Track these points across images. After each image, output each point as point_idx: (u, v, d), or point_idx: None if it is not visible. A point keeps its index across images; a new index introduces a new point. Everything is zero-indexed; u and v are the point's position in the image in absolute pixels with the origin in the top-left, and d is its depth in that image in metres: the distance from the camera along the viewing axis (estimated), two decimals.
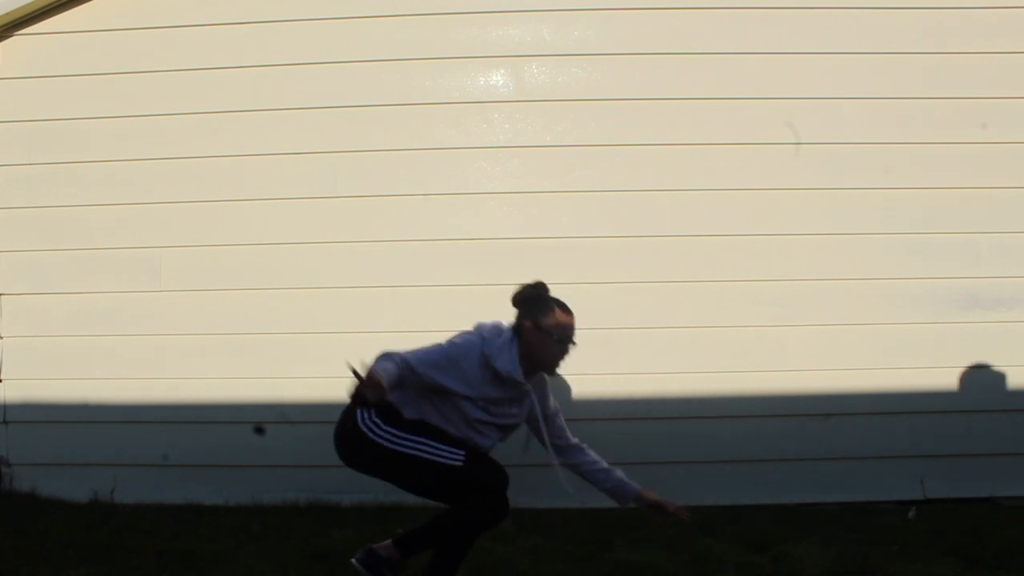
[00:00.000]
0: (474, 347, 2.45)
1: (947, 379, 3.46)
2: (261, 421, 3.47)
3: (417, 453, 2.37)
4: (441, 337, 3.45)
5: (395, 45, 3.45)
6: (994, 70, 3.44)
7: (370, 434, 2.41)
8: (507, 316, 3.43)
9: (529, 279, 3.40)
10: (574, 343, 2.53)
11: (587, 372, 3.44)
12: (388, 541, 2.51)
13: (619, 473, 2.59)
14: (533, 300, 2.53)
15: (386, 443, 2.39)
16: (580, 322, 3.40)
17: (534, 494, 3.41)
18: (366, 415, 2.43)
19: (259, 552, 2.88)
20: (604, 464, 2.59)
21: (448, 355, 2.43)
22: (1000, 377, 3.47)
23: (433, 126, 3.46)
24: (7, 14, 3.40)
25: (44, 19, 3.49)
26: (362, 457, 2.49)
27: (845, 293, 3.45)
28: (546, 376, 2.59)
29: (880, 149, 3.44)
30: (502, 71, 3.47)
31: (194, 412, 3.48)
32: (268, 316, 3.42)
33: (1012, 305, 3.45)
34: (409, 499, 3.36)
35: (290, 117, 3.44)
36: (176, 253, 3.50)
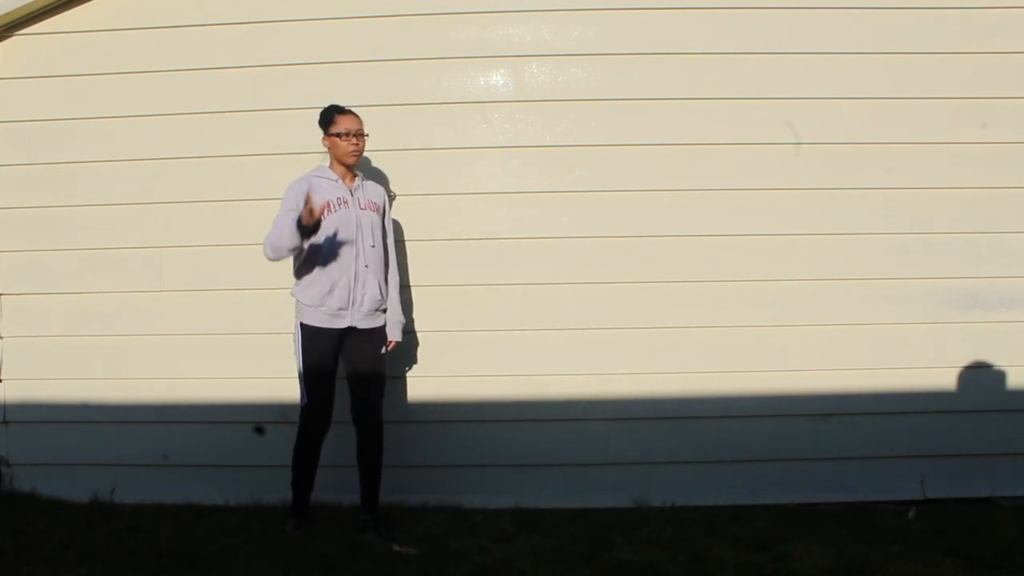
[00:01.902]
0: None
1: (947, 379, 3.46)
2: (261, 421, 3.49)
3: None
4: (439, 337, 3.49)
5: (395, 45, 3.45)
6: (994, 70, 3.44)
7: None
8: (507, 315, 3.46)
9: (529, 279, 3.45)
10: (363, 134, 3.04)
11: (586, 372, 3.46)
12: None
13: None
14: (321, 119, 3.05)
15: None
16: (579, 322, 3.45)
17: (534, 494, 3.43)
18: None
19: (259, 552, 2.87)
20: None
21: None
22: (1000, 377, 3.47)
23: (433, 126, 3.46)
24: (7, 14, 3.40)
25: (44, 19, 3.49)
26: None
27: (845, 293, 3.45)
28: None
29: (880, 149, 3.44)
30: (502, 71, 3.47)
31: (194, 412, 3.49)
32: (268, 316, 3.42)
33: (1012, 305, 3.45)
34: (408, 499, 3.39)
35: (290, 117, 3.44)
36: (176, 253, 3.50)
